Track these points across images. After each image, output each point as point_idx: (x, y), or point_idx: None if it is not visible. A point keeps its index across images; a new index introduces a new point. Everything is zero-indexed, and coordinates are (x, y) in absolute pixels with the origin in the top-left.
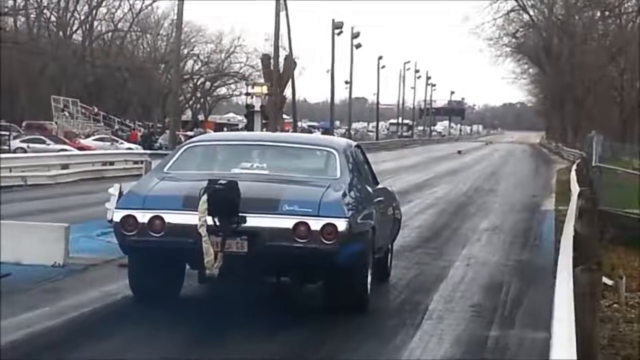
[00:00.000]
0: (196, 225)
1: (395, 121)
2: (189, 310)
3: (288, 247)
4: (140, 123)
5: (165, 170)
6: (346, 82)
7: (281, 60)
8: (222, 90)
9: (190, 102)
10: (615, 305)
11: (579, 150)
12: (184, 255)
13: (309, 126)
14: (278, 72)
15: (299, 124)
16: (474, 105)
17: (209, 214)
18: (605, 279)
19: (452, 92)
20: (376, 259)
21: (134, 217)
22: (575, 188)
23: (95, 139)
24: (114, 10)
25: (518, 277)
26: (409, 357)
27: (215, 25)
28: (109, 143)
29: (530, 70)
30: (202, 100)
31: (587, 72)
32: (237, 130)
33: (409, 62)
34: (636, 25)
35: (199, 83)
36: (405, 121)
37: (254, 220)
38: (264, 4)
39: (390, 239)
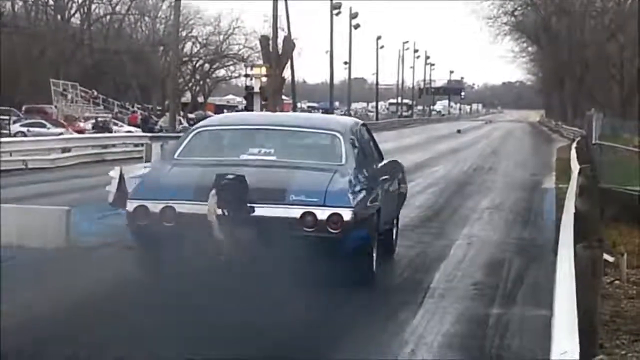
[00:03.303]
0: (206, 215)
1: (394, 101)
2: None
3: (295, 235)
4: (139, 106)
5: (175, 156)
6: (345, 63)
7: (280, 41)
8: (221, 72)
9: (190, 85)
10: (616, 282)
11: (579, 128)
12: (193, 243)
13: (309, 107)
14: (277, 53)
15: (298, 104)
16: (474, 84)
17: (218, 207)
18: (606, 256)
19: (452, 72)
20: (382, 232)
21: (146, 207)
22: (575, 166)
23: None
24: None
25: (519, 255)
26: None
27: (213, 7)
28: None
29: (529, 48)
30: (201, 82)
31: (585, 49)
32: (237, 111)
33: (407, 42)
34: (635, 1)
35: (197, 65)
36: (405, 101)
37: (262, 210)
38: None
39: (396, 213)
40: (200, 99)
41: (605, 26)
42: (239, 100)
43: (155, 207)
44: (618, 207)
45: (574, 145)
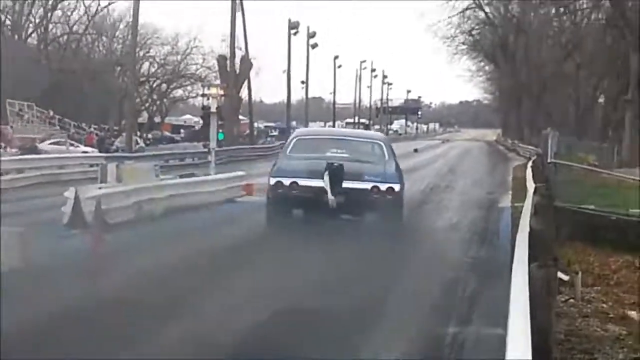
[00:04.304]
0: (314, 186)
1: (351, 120)
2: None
3: (368, 198)
4: (96, 126)
5: (287, 154)
6: (302, 82)
7: (237, 61)
8: (179, 92)
9: (147, 105)
10: (571, 301)
11: (535, 147)
12: (309, 203)
13: (266, 126)
14: (234, 73)
15: (256, 124)
16: (431, 103)
17: (330, 181)
18: (561, 275)
19: (409, 91)
20: None
21: (281, 182)
22: (530, 185)
23: (51, 143)
24: (69, 13)
25: (474, 274)
26: None
27: (171, 27)
28: (64, 147)
29: (487, 67)
30: (158, 102)
31: (542, 69)
32: (194, 131)
33: (365, 61)
34: (591, 21)
35: (155, 85)
36: (362, 120)
37: (349, 184)
38: (220, 4)
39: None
40: (157, 119)
41: (562, 45)
42: (196, 120)
43: (286, 181)
44: (573, 226)
45: (530, 164)
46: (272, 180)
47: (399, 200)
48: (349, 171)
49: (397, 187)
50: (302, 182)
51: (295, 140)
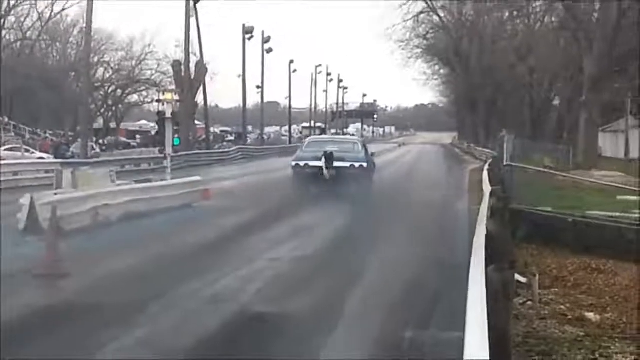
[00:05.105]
0: (317, 165)
1: (308, 124)
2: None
3: (350, 172)
4: (51, 132)
5: (303, 149)
6: (258, 87)
7: (192, 66)
8: (134, 98)
9: (102, 110)
10: (529, 303)
11: (491, 149)
12: (315, 176)
13: (222, 131)
14: (189, 78)
15: (212, 129)
16: (387, 107)
17: (324, 162)
18: (518, 277)
19: (365, 95)
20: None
21: (299, 164)
22: (487, 187)
23: (6, 149)
24: (22, 19)
25: (431, 278)
26: None
27: (125, 32)
28: (19, 153)
29: (442, 71)
30: (113, 107)
31: (497, 72)
32: (150, 136)
33: (320, 65)
34: (544, 24)
35: (110, 91)
36: (318, 124)
37: (338, 164)
38: (174, 9)
39: (373, 165)
40: (113, 125)
41: (516, 49)
42: (152, 126)
43: (302, 163)
44: (530, 228)
45: (486, 167)
46: (293, 163)
47: (368, 172)
48: (337, 157)
49: (365, 165)
50: (311, 163)
51: (308, 141)
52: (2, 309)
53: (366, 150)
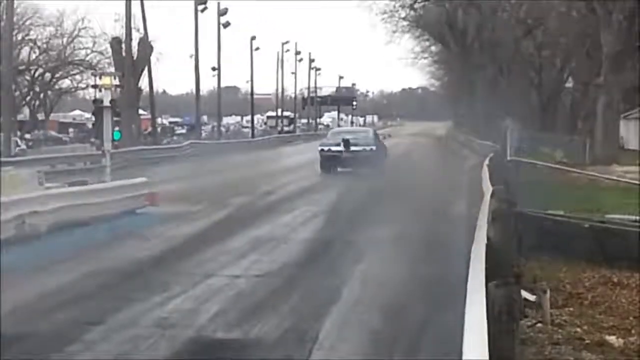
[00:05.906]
0: (338, 149)
1: (273, 114)
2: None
3: (364, 154)
4: None
5: (328, 136)
6: (214, 69)
7: (135, 44)
8: (66, 83)
9: (28, 98)
10: (539, 325)
11: (493, 142)
12: (337, 157)
13: (171, 122)
14: (131, 58)
15: (159, 120)
16: (368, 92)
17: (343, 147)
18: (526, 294)
19: (341, 77)
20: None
21: (324, 149)
22: (487, 187)
23: None
24: None
25: (424, 295)
26: None
27: (54, 5)
28: None
29: (433, 47)
30: (41, 95)
31: (498, 49)
32: (87, 129)
33: (287, 42)
34: None
35: (37, 75)
36: (286, 113)
37: (354, 148)
38: None
39: (385, 150)
40: (41, 116)
41: (521, 21)
42: (88, 117)
43: (326, 148)
44: (539, 236)
45: (486, 162)
46: (319, 148)
47: (380, 154)
48: (353, 142)
49: (374, 148)
50: (333, 148)
51: (330, 133)
52: None
53: (377, 136)
